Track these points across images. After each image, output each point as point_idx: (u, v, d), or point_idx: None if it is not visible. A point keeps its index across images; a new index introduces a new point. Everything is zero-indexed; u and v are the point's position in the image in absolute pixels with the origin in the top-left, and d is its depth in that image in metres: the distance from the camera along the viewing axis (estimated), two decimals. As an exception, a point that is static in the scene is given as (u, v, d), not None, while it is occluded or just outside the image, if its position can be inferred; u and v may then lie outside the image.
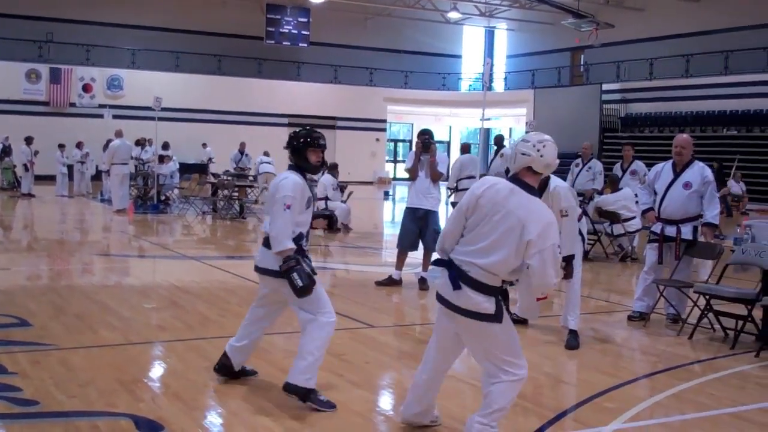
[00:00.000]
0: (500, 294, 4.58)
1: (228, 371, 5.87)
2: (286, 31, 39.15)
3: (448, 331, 4.76)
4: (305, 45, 39.45)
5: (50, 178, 27.33)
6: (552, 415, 5.44)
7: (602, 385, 6.18)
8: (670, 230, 8.43)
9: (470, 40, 45.97)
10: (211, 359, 5.97)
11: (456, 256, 4.59)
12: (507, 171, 4.73)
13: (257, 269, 5.63)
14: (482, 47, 45.80)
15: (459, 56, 45.77)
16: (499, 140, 16.66)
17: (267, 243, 5.48)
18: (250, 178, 23.34)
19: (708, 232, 8.34)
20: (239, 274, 10.78)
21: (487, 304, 4.48)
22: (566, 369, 7.02)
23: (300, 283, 5.23)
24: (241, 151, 25.30)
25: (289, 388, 5.36)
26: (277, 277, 5.40)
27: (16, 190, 26.29)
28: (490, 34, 45.79)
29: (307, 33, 39.35)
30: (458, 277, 4.50)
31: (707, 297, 7.92)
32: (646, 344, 7.81)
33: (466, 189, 15.19)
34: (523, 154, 4.57)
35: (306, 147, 5.58)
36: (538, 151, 4.56)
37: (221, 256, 13.50)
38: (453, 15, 40.13)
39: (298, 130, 5.77)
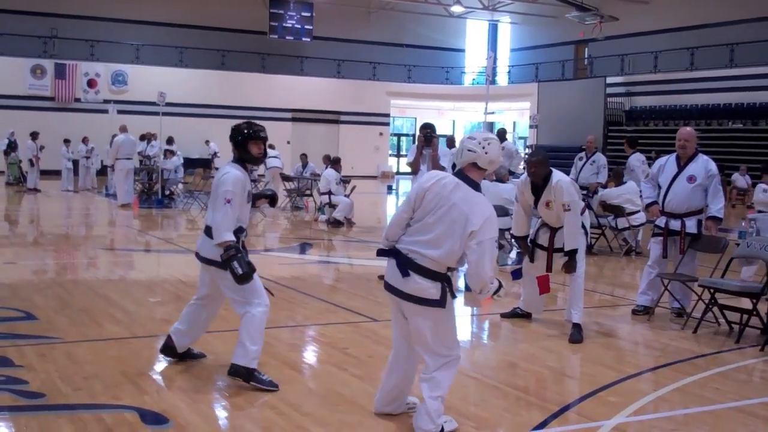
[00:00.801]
0: (445, 280, 4.76)
1: (172, 353, 6.12)
2: (290, 25, 39.12)
3: (399, 320, 4.98)
4: (308, 40, 39.42)
5: (56, 173, 27.38)
6: (556, 409, 5.44)
7: (606, 379, 6.19)
8: (675, 224, 8.42)
9: (473, 34, 45.88)
10: (216, 353, 6.00)
11: (402, 245, 4.81)
12: (453, 165, 4.88)
13: (198, 257, 5.83)
14: (486, 41, 45.72)
15: (462, 50, 45.70)
16: (502, 134, 16.64)
17: (208, 232, 5.69)
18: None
19: (712, 225, 8.33)
20: (244, 268, 10.79)
21: (433, 290, 4.70)
22: (570, 363, 7.02)
23: (240, 271, 5.46)
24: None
25: (233, 371, 5.58)
26: (217, 267, 5.63)
27: (22, 184, 26.32)
28: (493, 28, 45.70)
29: (311, 27, 39.33)
30: (406, 264, 4.72)
31: (712, 291, 7.91)
32: (650, 338, 7.81)
33: None
34: (469, 150, 4.80)
35: (248, 139, 5.76)
36: (483, 148, 4.79)
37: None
38: (456, 9, 40.04)
39: (239, 123, 5.93)
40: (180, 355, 6.13)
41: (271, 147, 25.20)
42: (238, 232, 5.67)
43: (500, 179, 14.07)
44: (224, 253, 5.50)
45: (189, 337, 6.12)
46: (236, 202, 5.60)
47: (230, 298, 5.73)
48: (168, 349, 6.12)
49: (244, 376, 5.57)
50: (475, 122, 46.99)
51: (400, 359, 5.06)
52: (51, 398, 5.27)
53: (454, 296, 4.84)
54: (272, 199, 6.39)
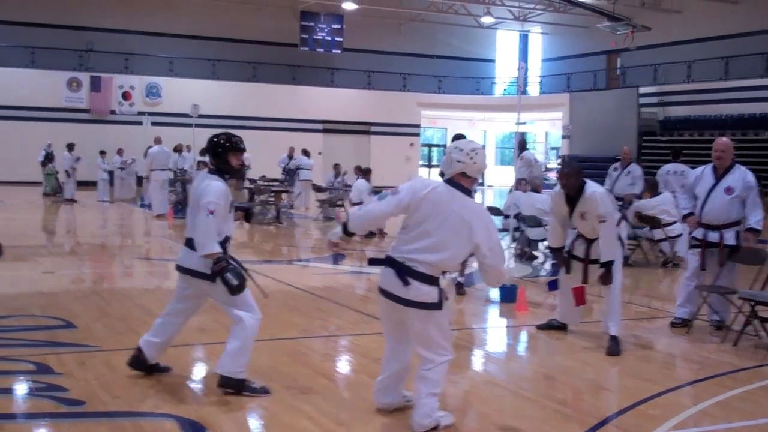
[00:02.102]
0: (439, 283, 5.02)
1: (142, 365, 5.97)
2: (320, 37, 39.28)
3: (393, 321, 5.20)
4: (339, 51, 39.57)
5: (91, 184, 27.68)
6: (594, 422, 5.39)
7: (645, 392, 6.10)
8: (713, 236, 8.28)
9: (504, 44, 45.78)
10: (251, 361, 5.99)
11: (398, 254, 5.01)
12: (442, 174, 5.08)
13: (181, 269, 5.79)
14: (516, 51, 45.61)
15: (493, 60, 45.61)
16: (522, 143, 16.57)
17: (190, 244, 5.66)
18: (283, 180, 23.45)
19: (751, 237, 8.21)
20: (276, 278, 10.84)
21: (433, 294, 4.93)
22: (608, 375, 6.95)
23: (235, 283, 5.48)
24: (290, 156, 25.45)
25: (223, 382, 5.58)
26: (201, 278, 5.61)
27: (59, 195, 26.65)
28: (524, 38, 45.58)
29: (341, 39, 39.47)
30: (405, 272, 4.92)
31: (752, 303, 7.77)
32: (689, 351, 7.71)
33: None
34: (458, 161, 5.04)
35: (227, 151, 5.78)
36: (472, 158, 5.04)
37: (258, 260, 13.56)
38: (486, 19, 39.98)
39: (218, 134, 5.93)
40: (149, 368, 6.00)
41: (306, 154, 25.34)
42: (225, 242, 5.66)
43: (534, 189, 14.01)
44: (215, 265, 5.47)
45: (161, 350, 6.03)
46: (219, 213, 5.56)
47: (224, 307, 5.75)
48: (137, 361, 5.96)
49: (235, 386, 5.58)
50: (507, 132, 46.85)
51: (394, 355, 5.30)
52: (90, 405, 5.32)
53: (446, 299, 5.07)
54: (247, 214, 6.44)
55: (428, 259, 4.90)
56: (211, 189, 5.58)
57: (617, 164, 14.71)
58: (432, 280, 4.94)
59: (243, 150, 5.86)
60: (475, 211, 5.03)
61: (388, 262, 5.03)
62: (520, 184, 14.70)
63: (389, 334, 5.31)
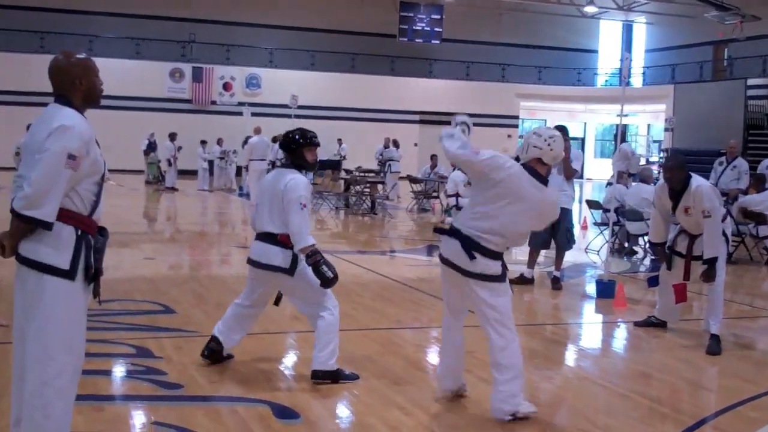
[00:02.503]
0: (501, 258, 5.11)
1: (217, 355, 6.01)
2: (419, 28, 39.29)
3: (453, 292, 5.30)
4: (438, 42, 39.48)
5: (192, 173, 28.39)
6: (691, 422, 5.24)
7: (745, 393, 5.92)
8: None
9: (607, 34, 44.88)
10: (344, 350, 6.04)
11: (468, 228, 5.02)
12: (517, 158, 5.17)
13: (257, 265, 5.79)
14: (619, 41, 44.64)
15: (595, 51, 44.78)
16: (621, 136, 16.43)
17: (265, 238, 5.70)
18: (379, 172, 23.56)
19: None
20: (371, 268, 10.90)
21: (496, 268, 5.03)
22: (707, 375, 6.76)
23: (330, 275, 5.52)
24: (386, 146, 25.59)
25: (318, 375, 5.65)
26: (284, 273, 5.64)
27: (161, 183, 27.43)
28: (628, 28, 44.56)
29: (440, 30, 39.38)
30: (471, 246, 4.97)
31: None
32: (794, 351, 7.44)
33: None
34: (534, 147, 5.05)
35: (302, 146, 5.83)
36: (549, 145, 5.02)
37: (353, 250, 13.66)
38: (590, 9, 39.23)
39: (292, 130, 5.99)
40: (221, 358, 6.05)
41: (396, 145, 25.39)
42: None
43: (644, 180, 13.79)
44: (309, 258, 5.50)
45: (236, 340, 6.07)
46: (308, 206, 5.68)
47: (301, 303, 5.82)
48: (212, 352, 6.00)
49: (331, 377, 5.66)
50: (607, 124, 45.95)
51: (451, 332, 5.44)
52: (188, 389, 5.46)
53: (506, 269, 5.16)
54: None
55: (493, 239, 4.99)
56: (300, 183, 5.67)
57: (722, 158, 14.29)
58: (496, 256, 5.03)
59: (317, 145, 5.94)
60: (544, 199, 5.08)
61: (454, 233, 5.07)
62: (621, 177, 14.42)
63: (448, 305, 5.41)
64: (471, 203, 5.22)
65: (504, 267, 5.10)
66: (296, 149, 5.83)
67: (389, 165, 24.60)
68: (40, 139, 3.66)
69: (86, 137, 3.73)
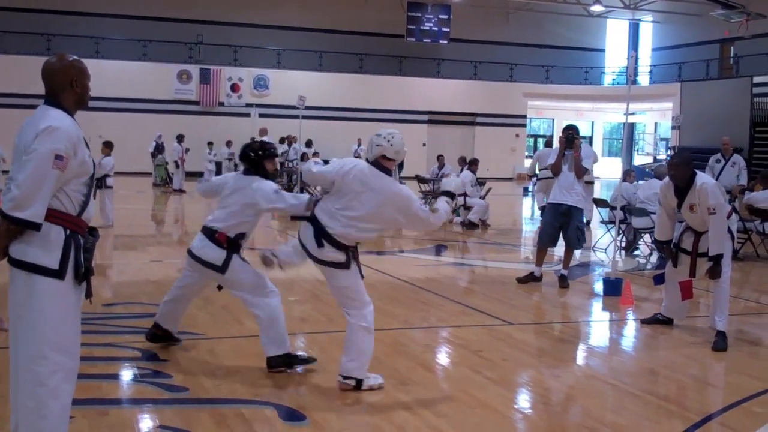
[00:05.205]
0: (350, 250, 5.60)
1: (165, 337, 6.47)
2: (427, 28, 39.26)
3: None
4: (445, 42, 39.46)
5: (200, 175, 28.39)
6: (697, 419, 5.24)
7: (751, 389, 5.92)
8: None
9: (614, 33, 44.77)
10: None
11: (324, 218, 5.52)
12: (367, 160, 5.61)
13: (196, 258, 6.12)
14: (626, 40, 44.54)
15: (602, 50, 44.66)
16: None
17: (210, 235, 6.05)
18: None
19: None
20: (380, 269, 10.89)
21: (341, 257, 5.54)
22: (713, 371, 6.75)
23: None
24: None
25: (272, 362, 5.90)
26: (214, 270, 6.02)
27: (168, 185, 27.44)
28: (634, 27, 44.45)
29: (448, 30, 39.34)
30: (321, 234, 5.51)
31: None
32: (803, 348, 7.40)
33: (546, 177, 16.27)
34: (377, 145, 5.53)
35: (263, 158, 6.20)
36: (388, 141, 5.51)
37: (361, 251, 13.62)
38: (596, 8, 39.15)
39: (250, 143, 6.48)
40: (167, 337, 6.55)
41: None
42: (241, 237, 6.08)
43: (659, 176, 13.88)
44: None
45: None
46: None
47: (241, 292, 6.12)
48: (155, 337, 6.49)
49: (284, 363, 5.94)
50: (615, 123, 45.84)
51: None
52: (193, 392, 5.45)
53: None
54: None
55: (345, 231, 5.48)
56: (269, 184, 6.07)
57: (718, 155, 14.26)
58: (342, 247, 5.51)
59: (277, 155, 6.39)
60: (389, 188, 5.48)
61: (311, 220, 5.58)
62: (628, 175, 14.38)
63: None
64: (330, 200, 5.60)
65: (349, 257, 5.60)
66: (257, 160, 6.17)
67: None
68: (28, 140, 3.69)
69: (74, 138, 3.75)
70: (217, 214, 6.12)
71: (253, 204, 5.99)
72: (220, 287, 6.32)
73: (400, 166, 24.89)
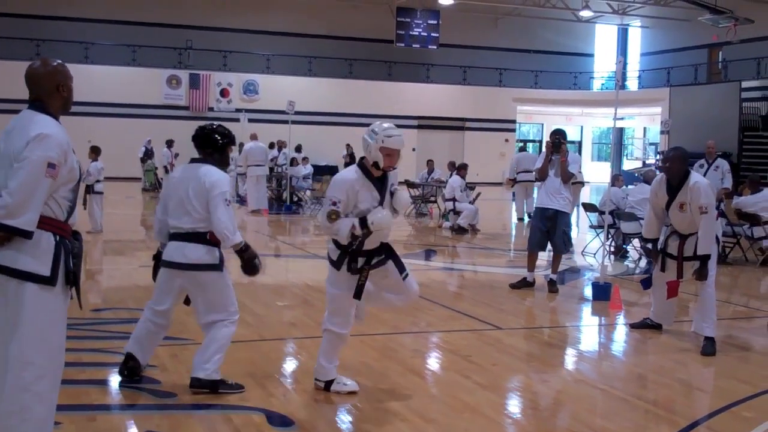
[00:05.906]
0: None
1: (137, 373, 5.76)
2: (416, 33, 39.31)
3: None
4: (435, 47, 39.52)
5: (189, 180, 28.33)
6: (685, 424, 5.25)
7: (740, 394, 5.93)
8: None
9: (603, 38, 44.92)
10: (341, 356, 6.03)
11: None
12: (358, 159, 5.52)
13: (179, 266, 5.54)
14: (615, 45, 44.71)
15: (591, 55, 44.81)
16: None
17: (193, 239, 5.48)
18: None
19: None
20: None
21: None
22: (701, 376, 6.77)
23: (260, 266, 5.60)
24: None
25: (197, 384, 5.45)
26: (208, 270, 5.51)
27: (158, 191, 27.35)
28: (623, 32, 44.64)
29: (437, 35, 39.40)
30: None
31: None
32: (791, 352, 7.43)
33: (524, 181, 16.92)
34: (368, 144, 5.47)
35: (227, 145, 5.69)
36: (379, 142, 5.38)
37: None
38: (585, 13, 39.30)
39: (213, 125, 5.81)
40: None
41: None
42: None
43: (647, 181, 13.97)
44: (245, 253, 5.43)
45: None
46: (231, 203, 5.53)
47: (205, 307, 5.58)
48: (133, 370, 5.73)
49: (211, 387, 5.46)
50: (604, 128, 45.96)
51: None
52: (182, 398, 5.44)
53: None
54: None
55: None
56: (223, 179, 5.48)
57: (702, 160, 14.34)
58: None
59: (235, 143, 5.82)
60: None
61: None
62: (617, 179, 14.43)
63: None
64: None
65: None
66: (223, 147, 5.66)
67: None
68: (18, 147, 3.66)
69: (64, 145, 3.75)
70: (180, 215, 5.48)
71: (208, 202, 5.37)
72: (187, 301, 5.74)
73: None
